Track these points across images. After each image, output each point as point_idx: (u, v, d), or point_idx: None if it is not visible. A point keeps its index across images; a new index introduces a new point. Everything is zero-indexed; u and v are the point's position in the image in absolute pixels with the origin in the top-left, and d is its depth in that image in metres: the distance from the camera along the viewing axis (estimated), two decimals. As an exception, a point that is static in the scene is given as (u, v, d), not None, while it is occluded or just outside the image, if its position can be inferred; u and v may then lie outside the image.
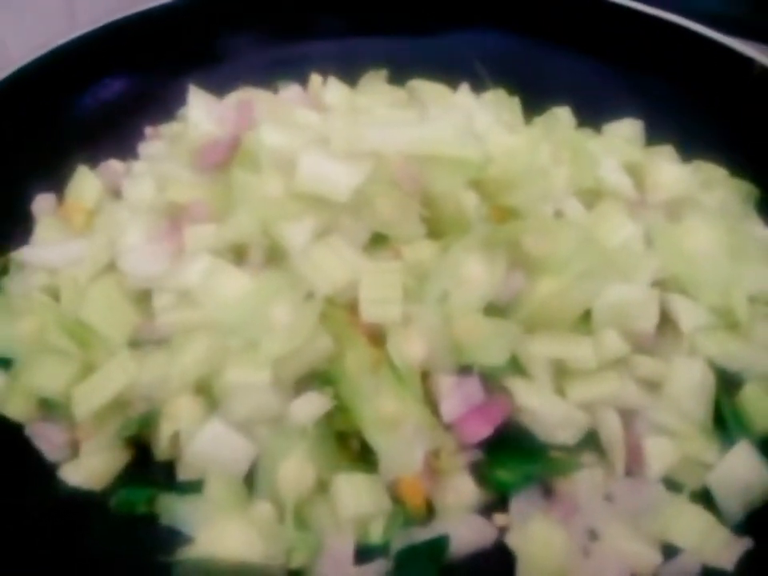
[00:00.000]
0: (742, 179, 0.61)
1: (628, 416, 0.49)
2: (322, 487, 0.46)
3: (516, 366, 0.49)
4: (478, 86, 0.65)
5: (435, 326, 0.48)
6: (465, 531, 0.46)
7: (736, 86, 0.65)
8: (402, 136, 0.52)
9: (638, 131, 0.66)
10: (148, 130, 0.67)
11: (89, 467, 0.48)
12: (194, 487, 0.46)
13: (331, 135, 0.52)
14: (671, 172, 0.58)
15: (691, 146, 0.63)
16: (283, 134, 0.53)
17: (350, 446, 0.48)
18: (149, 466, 0.48)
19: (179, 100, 0.62)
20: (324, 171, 0.50)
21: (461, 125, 0.53)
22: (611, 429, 0.49)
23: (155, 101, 0.69)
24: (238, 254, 0.52)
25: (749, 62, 0.65)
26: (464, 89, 0.63)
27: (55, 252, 0.55)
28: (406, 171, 0.51)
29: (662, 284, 0.52)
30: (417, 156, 0.51)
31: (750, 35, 0.77)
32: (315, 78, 0.68)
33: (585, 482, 0.48)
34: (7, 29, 0.77)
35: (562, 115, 0.66)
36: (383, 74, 0.66)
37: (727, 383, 0.50)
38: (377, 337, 0.48)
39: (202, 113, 0.59)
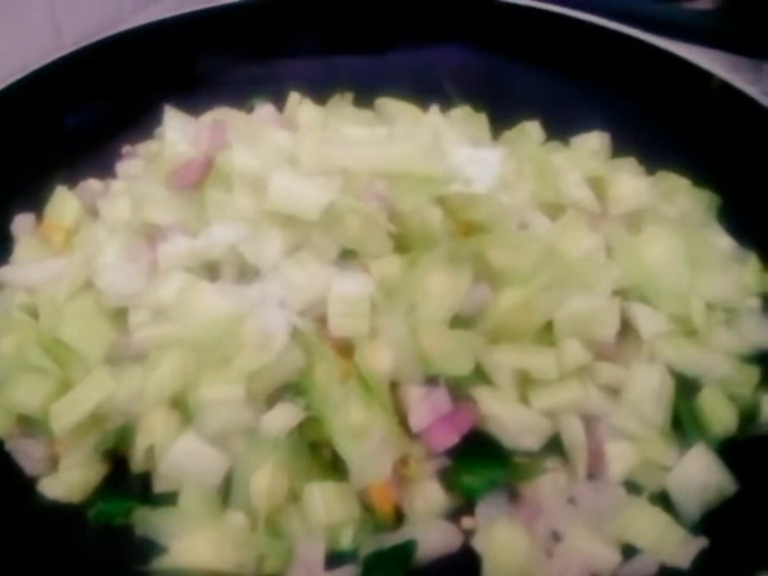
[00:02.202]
0: (703, 189, 0.63)
1: (590, 421, 0.51)
2: (294, 496, 0.48)
3: (481, 376, 0.50)
4: (446, 103, 0.67)
5: (402, 338, 0.49)
6: (432, 536, 0.48)
7: (696, 98, 0.67)
8: (369, 154, 0.54)
9: (604, 144, 0.68)
10: (125, 149, 0.68)
11: (67, 480, 0.50)
12: (170, 499, 0.48)
13: (300, 154, 0.54)
14: (632, 184, 0.60)
15: (654, 157, 0.65)
16: (254, 153, 0.55)
17: (321, 456, 0.50)
18: (126, 479, 0.50)
19: (156, 119, 0.63)
20: (294, 190, 0.51)
21: (427, 142, 0.55)
22: (574, 434, 0.50)
23: (133, 120, 0.70)
24: (211, 271, 0.53)
25: (708, 75, 0.67)
26: (434, 110, 0.65)
27: (34, 271, 0.56)
28: (374, 188, 0.53)
29: (622, 293, 0.54)
30: (384, 173, 0.53)
31: (712, 43, 0.80)
32: (294, 97, 0.69)
33: (548, 485, 0.49)
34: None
35: (531, 130, 0.68)
36: (349, 97, 0.68)
37: (685, 388, 0.52)
38: (346, 349, 0.49)
39: (178, 133, 0.61)
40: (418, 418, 0.49)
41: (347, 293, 0.50)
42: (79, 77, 0.71)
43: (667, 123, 0.68)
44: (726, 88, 0.67)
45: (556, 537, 0.48)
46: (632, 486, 0.50)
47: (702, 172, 0.64)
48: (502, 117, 0.68)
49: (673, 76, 0.69)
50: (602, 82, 0.72)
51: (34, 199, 0.63)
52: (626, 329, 0.53)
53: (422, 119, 0.63)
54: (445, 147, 0.55)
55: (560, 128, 0.68)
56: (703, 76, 0.68)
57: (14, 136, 0.67)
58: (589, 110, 0.70)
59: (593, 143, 0.68)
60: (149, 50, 0.74)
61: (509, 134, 0.67)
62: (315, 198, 0.51)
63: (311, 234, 0.52)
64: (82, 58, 0.72)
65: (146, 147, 0.68)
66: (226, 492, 0.48)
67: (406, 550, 0.46)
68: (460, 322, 0.51)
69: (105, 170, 0.67)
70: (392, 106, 0.66)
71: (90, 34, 0.74)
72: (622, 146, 0.67)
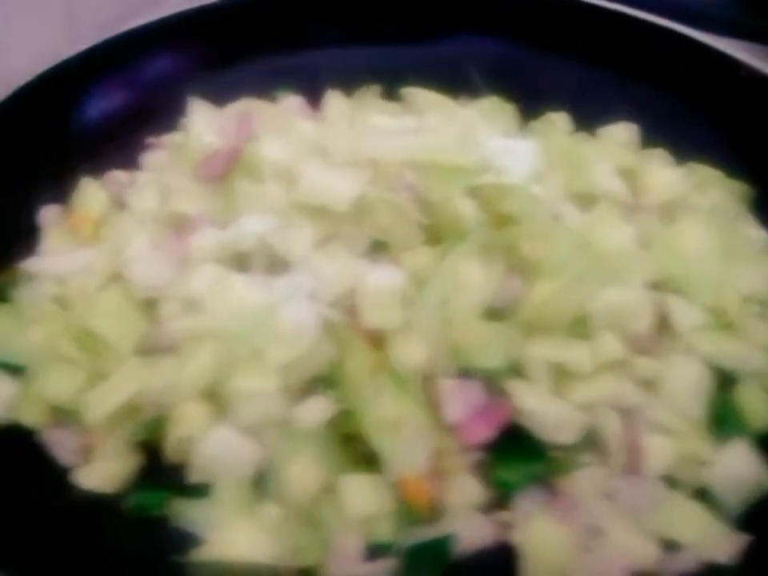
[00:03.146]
0: (736, 180, 0.62)
1: (626, 415, 0.50)
2: (329, 488, 0.47)
3: (515, 369, 0.50)
4: (474, 93, 0.66)
5: (435, 330, 0.48)
6: (470, 530, 0.47)
7: (726, 87, 0.67)
8: (400, 144, 0.53)
9: (632, 134, 0.67)
10: (150, 141, 0.68)
11: (102, 471, 0.49)
12: (205, 490, 0.47)
13: (330, 145, 0.54)
14: (664, 175, 0.60)
15: (684, 148, 0.64)
16: (283, 145, 0.55)
17: (356, 448, 0.49)
18: (161, 470, 0.49)
19: (181, 110, 0.63)
20: (324, 181, 0.51)
21: (458, 132, 0.54)
22: (610, 428, 0.49)
23: (158, 111, 0.69)
24: (241, 263, 0.53)
25: (737, 64, 0.66)
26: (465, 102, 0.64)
27: (63, 261, 0.56)
28: (404, 179, 0.52)
29: (657, 285, 0.53)
30: (415, 164, 0.52)
31: (741, 35, 0.79)
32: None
33: (585, 480, 0.49)
34: (8, 40, 0.78)
35: (559, 120, 0.67)
36: (377, 89, 0.67)
37: (723, 381, 0.51)
38: (377, 341, 0.49)
39: (203, 124, 0.61)
40: (452, 412, 0.48)
41: (379, 284, 0.49)
42: (102, 69, 0.71)
43: (697, 113, 0.68)
44: (757, 77, 0.66)
45: (595, 532, 0.47)
46: (670, 481, 0.49)
47: (733, 162, 0.63)
48: (528, 107, 0.67)
49: (701, 64, 0.68)
50: (629, 72, 0.71)
51: (60, 191, 0.63)
52: (662, 322, 0.52)
53: (452, 109, 0.62)
54: (477, 137, 0.55)
55: (586, 119, 0.67)
56: (733, 65, 0.67)
57: (38, 129, 0.66)
58: (615, 99, 0.69)
59: (621, 134, 0.67)
60: (172, 41, 0.73)
61: (535, 125, 0.66)
62: (345, 189, 0.51)
63: (341, 225, 0.52)
64: (105, 49, 0.71)
65: (170, 139, 0.67)
66: (262, 484, 0.47)
67: (445, 543, 0.46)
68: (493, 314, 0.50)
69: (129, 162, 0.66)
70: (420, 96, 0.65)
71: (107, 28, 0.73)
72: (650, 137, 0.66)
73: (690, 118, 0.67)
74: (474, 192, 0.53)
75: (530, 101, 0.67)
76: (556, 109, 0.67)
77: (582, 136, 0.66)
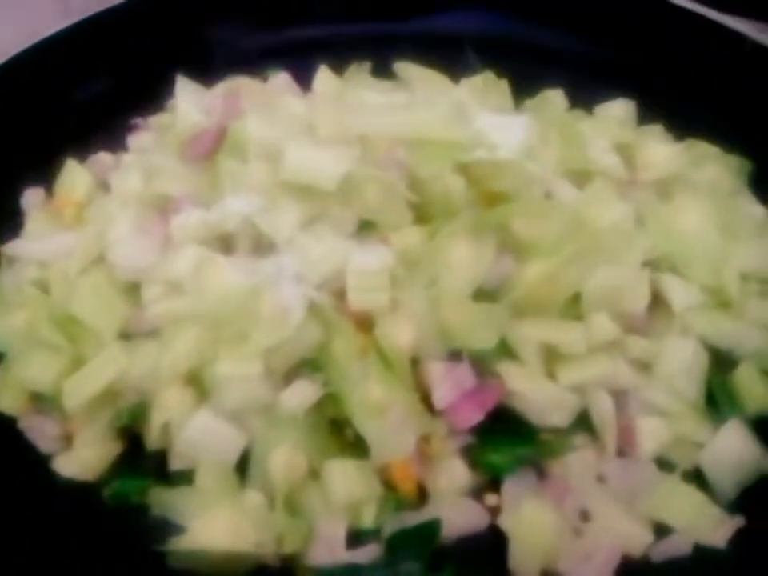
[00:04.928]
0: (734, 155, 0.61)
1: (620, 396, 0.49)
2: (314, 474, 0.46)
3: (506, 351, 0.49)
4: (468, 70, 0.64)
5: (424, 311, 0.47)
6: (457, 515, 0.46)
7: (728, 63, 0.65)
8: (389, 121, 0.52)
9: (630, 111, 0.65)
10: (136, 122, 0.67)
11: (82, 458, 0.49)
12: (186, 477, 0.47)
13: (317, 122, 0.52)
14: (661, 151, 0.58)
15: (682, 123, 0.63)
16: (270, 123, 0.53)
17: (342, 433, 0.48)
18: (141, 457, 0.48)
19: (167, 92, 0.62)
20: (310, 160, 0.50)
21: (449, 108, 0.53)
22: (603, 410, 0.48)
23: (144, 92, 0.68)
24: (225, 244, 0.51)
25: (740, 38, 0.64)
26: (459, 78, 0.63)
27: (46, 245, 0.55)
28: (393, 156, 0.51)
29: (652, 264, 0.52)
30: (404, 140, 0.51)
31: (742, 12, 0.77)
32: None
33: (577, 463, 0.48)
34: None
35: (554, 98, 0.65)
36: (367, 66, 0.66)
37: (719, 363, 0.50)
38: (365, 323, 0.48)
39: (190, 103, 0.59)
40: (441, 395, 0.47)
41: (366, 265, 0.48)
42: (88, 48, 0.69)
43: (694, 88, 0.66)
44: (760, 51, 0.64)
45: (585, 516, 0.47)
46: (664, 464, 0.48)
47: (731, 138, 0.61)
48: (523, 84, 0.65)
49: (703, 39, 0.67)
50: (627, 46, 0.69)
51: (43, 173, 0.62)
52: (657, 301, 0.51)
53: (444, 85, 0.61)
54: (468, 113, 0.53)
55: (583, 95, 0.66)
56: (735, 39, 0.65)
57: (21, 108, 0.65)
58: (613, 75, 0.68)
59: (618, 110, 0.65)
60: (160, 21, 0.72)
61: (531, 103, 0.65)
62: (332, 167, 0.50)
63: (328, 204, 0.51)
64: (92, 28, 0.69)
65: (157, 120, 0.66)
66: (244, 470, 0.47)
67: (430, 529, 0.45)
68: (484, 294, 0.49)
69: (115, 144, 0.65)
70: (411, 71, 0.64)
71: (96, 5, 0.71)
72: (647, 113, 0.65)
73: (687, 93, 0.66)
74: (465, 169, 0.51)
75: (526, 77, 0.65)
76: (550, 85, 0.65)
77: (579, 113, 0.65)
